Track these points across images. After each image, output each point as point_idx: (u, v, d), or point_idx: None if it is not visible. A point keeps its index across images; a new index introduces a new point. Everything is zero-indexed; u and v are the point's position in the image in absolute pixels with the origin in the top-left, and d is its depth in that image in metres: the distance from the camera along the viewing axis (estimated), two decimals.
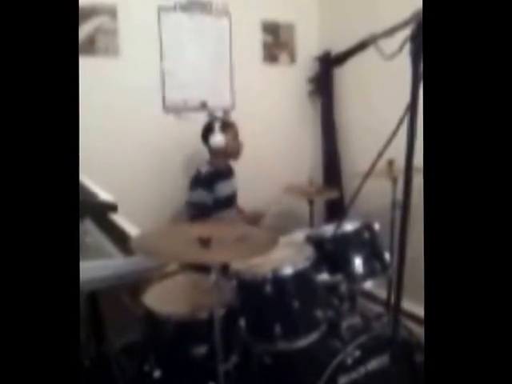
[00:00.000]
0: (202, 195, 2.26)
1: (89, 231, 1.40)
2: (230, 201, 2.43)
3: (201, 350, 1.37)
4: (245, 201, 2.60)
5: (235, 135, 2.39)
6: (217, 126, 2.31)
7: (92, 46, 2.26)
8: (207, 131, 2.35)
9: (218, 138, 2.29)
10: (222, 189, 2.36)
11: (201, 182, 2.29)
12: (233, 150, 2.39)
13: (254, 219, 2.34)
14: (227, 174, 2.46)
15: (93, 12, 2.23)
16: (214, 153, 2.35)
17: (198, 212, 2.25)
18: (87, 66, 2.25)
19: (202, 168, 2.34)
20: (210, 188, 2.29)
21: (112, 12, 2.29)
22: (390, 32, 1.29)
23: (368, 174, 1.49)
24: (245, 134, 2.71)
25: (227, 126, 2.35)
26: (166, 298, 1.50)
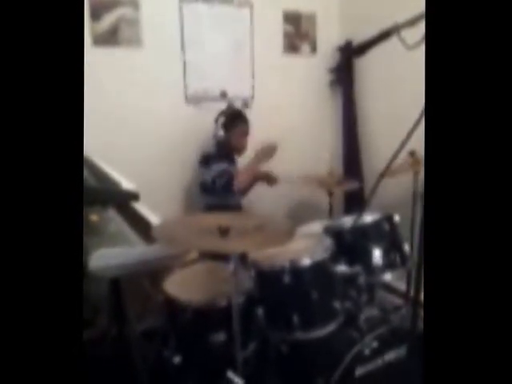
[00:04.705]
0: (223, 166, 2.28)
1: (112, 219, 1.44)
2: None
3: (219, 337, 1.39)
4: (264, 190, 2.62)
5: (242, 132, 2.37)
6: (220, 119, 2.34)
7: (115, 37, 2.28)
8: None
9: (220, 133, 2.34)
10: (233, 168, 2.40)
11: (215, 157, 2.32)
12: (236, 147, 2.40)
13: (268, 152, 2.26)
14: (232, 159, 2.48)
15: (116, 2, 2.25)
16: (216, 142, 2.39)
17: (227, 180, 2.23)
18: (110, 57, 2.29)
19: (209, 149, 2.38)
20: (228, 161, 2.33)
21: (134, 2, 2.31)
22: (413, 21, 1.27)
23: (389, 165, 1.47)
24: (265, 123, 2.71)
25: (233, 123, 2.34)
26: (186, 286, 1.53)
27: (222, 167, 2.28)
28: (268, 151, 2.23)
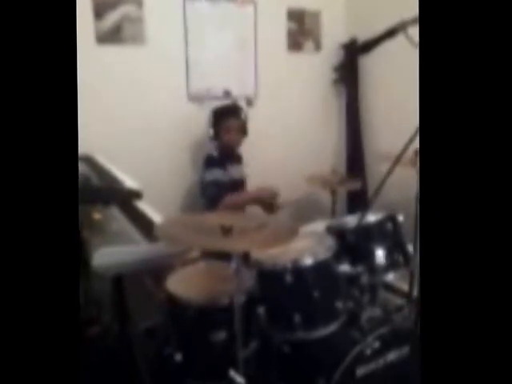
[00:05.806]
0: (217, 174, 2.29)
1: (115, 218, 1.44)
2: (240, 185, 2.45)
3: (221, 335, 1.39)
4: None
5: (228, 127, 2.33)
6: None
7: (118, 35, 2.28)
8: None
9: (210, 132, 2.35)
10: (235, 170, 2.40)
11: (215, 161, 2.33)
12: (227, 143, 2.37)
13: (266, 198, 2.29)
14: (236, 159, 2.48)
15: (119, 1, 2.25)
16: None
17: (216, 192, 2.24)
18: (114, 55, 2.29)
19: (212, 151, 2.38)
20: (224, 167, 2.33)
21: (138, 1, 2.31)
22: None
23: (394, 164, 1.47)
24: (268, 122, 2.70)
25: (218, 120, 2.33)
26: (187, 284, 1.53)
27: (216, 176, 2.28)
28: (267, 197, 2.28)
